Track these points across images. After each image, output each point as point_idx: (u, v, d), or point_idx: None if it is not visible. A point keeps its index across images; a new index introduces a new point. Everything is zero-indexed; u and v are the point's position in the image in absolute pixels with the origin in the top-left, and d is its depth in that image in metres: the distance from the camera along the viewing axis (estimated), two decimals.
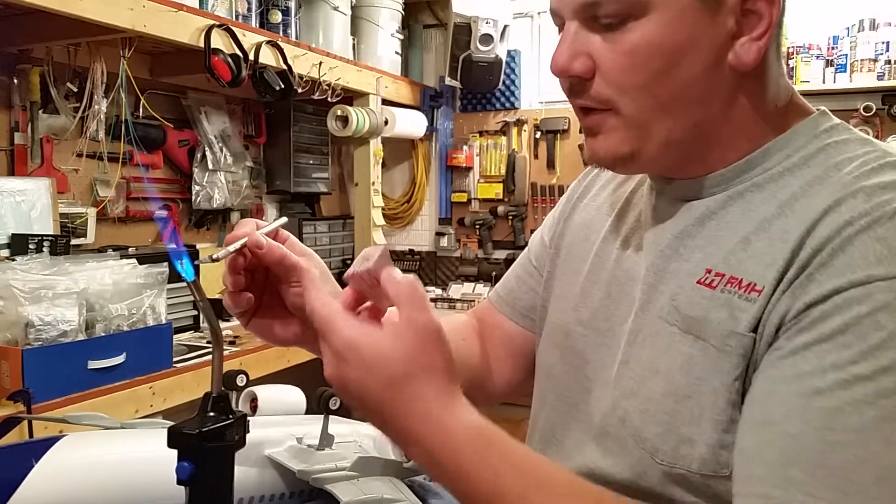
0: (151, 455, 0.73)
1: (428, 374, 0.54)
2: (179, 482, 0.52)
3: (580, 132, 0.62)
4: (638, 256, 0.68)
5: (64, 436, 0.74)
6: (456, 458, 0.53)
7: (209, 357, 1.99)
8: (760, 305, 0.57)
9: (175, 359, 1.86)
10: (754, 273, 0.58)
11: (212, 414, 0.55)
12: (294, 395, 1.05)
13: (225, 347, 2.11)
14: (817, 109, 0.65)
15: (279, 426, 0.91)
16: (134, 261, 1.92)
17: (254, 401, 1.03)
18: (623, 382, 0.65)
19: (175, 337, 1.94)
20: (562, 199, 0.86)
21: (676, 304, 0.61)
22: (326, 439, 0.87)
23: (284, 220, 0.66)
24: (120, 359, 1.68)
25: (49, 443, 0.71)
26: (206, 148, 2.57)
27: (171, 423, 0.56)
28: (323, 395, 0.87)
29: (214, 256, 0.57)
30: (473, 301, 2.97)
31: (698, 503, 0.59)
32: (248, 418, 0.99)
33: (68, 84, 2.08)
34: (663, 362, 0.61)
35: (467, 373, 0.82)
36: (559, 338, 0.75)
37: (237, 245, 0.59)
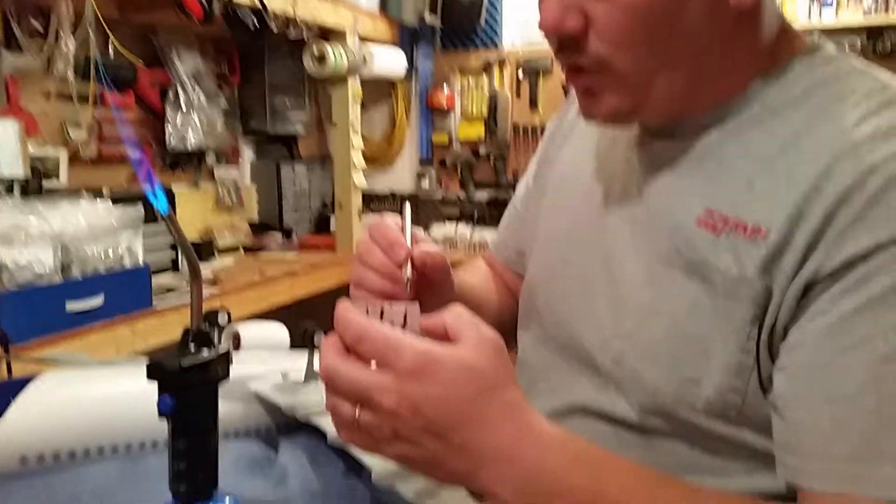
0: (132, 391, 0.72)
1: (511, 385, 0.50)
2: (162, 416, 0.52)
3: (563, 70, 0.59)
4: (631, 197, 0.66)
5: (40, 374, 0.72)
6: (556, 471, 0.50)
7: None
8: (769, 250, 0.55)
9: (155, 300, 1.85)
10: (760, 216, 0.56)
11: (192, 349, 0.54)
12: (277, 332, 1.04)
13: (205, 287, 2.10)
14: (811, 36, 0.63)
15: (263, 362, 0.90)
16: (108, 202, 1.89)
17: (236, 338, 1.02)
18: (617, 324, 0.63)
19: (154, 278, 1.91)
20: (544, 136, 0.84)
21: (678, 247, 0.59)
22: (312, 374, 0.87)
23: (408, 209, 0.68)
24: (98, 300, 1.66)
25: (25, 382, 0.70)
26: (179, 87, 2.50)
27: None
28: (307, 331, 0.86)
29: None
30: (456, 242, 2.97)
31: (693, 440, 0.59)
32: (232, 354, 0.99)
33: (32, 20, 1.99)
34: (665, 305, 0.59)
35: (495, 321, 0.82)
36: (545, 277, 0.74)
37: (408, 274, 0.63)
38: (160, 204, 0.53)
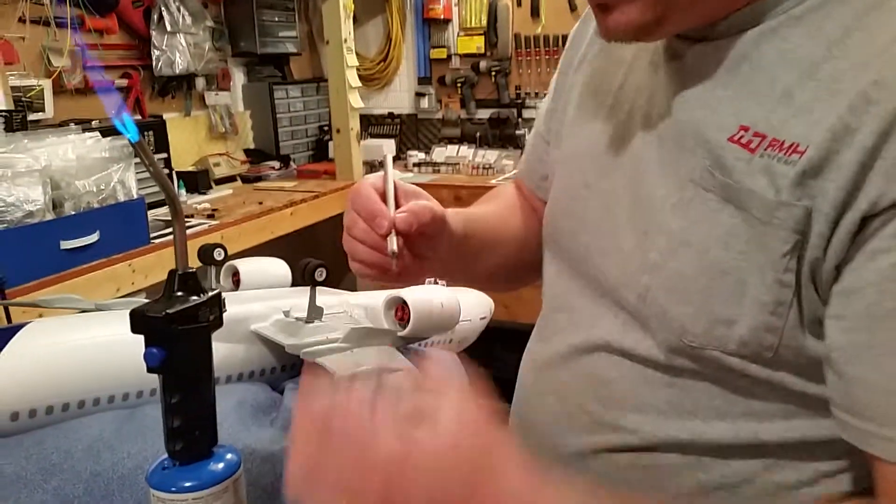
0: (128, 337, 0.67)
1: (508, 460, 0.43)
2: (150, 370, 0.47)
3: None
4: (659, 111, 0.58)
5: (27, 323, 0.67)
6: None
7: (188, 228, 1.94)
8: (805, 166, 0.48)
9: (152, 234, 1.80)
10: (798, 131, 0.48)
11: (180, 294, 0.48)
12: (278, 268, 0.99)
13: (203, 221, 2.04)
14: None
15: (264, 300, 0.86)
16: (97, 134, 1.81)
17: (235, 275, 0.98)
18: (643, 255, 0.56)
19: (151, 212, 1.86)
20: (566, 45, 0.75)
21: (709, 167, 0.52)
22: (315, 311, 0.82)
23: (389, 154, 0.64)
24: (93, 237, 1.61)
25: (10, 332, 0.65)
26: (163, 7, 2.37)
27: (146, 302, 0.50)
28: (307, 266, 0.81)
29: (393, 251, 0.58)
30: (457, 164, 2.88)
31: (724, 382, 0.55)
32: (232, 293, 0.94)
33: None
34: (697, 233, 0.53)
35: (515, 254, 0.75)
36: (566, 203, 0.67)
37: (393, 246, 0.58)
38: (129, 131, 0.47)
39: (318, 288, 0.82)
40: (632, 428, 0.58)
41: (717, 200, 0.52)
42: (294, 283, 0.97)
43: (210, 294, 0.49)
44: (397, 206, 0.60)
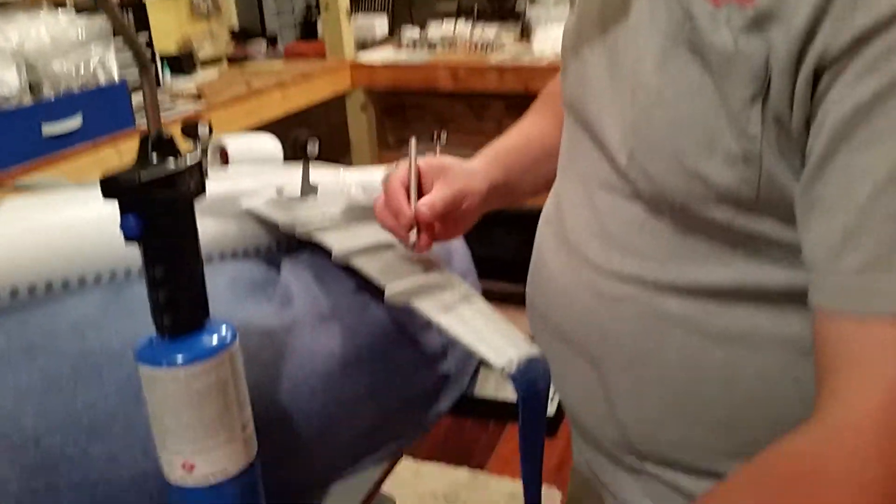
0: (108, 215, 0.64)
1: None
2: (128, 239, 0.43)
3: None
4: None
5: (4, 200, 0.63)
6: None
7: (173, 111, 1.86)
8: (756, 12, 0.46)
9: (138, 118, 1.72)
10: None
11: (154, 159, 0.44)
12: (268, 143, 0.94)
13: (189, 103, 1.96)
14: None
15: (255, 177, 0.81)
16: (72, 12, 1.70)
17: (223, 152, 0.93)
18: (631, 115, 0.56)
19: (135, 95, 1.77)
20: None
21: (682, 21, 0.51)
22: (309, 187, 0.78)
23: (413, 150, 0.66)
24: (76, 122, 1.54)
25: None
26: None
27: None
28: (297, 139, 0.76)
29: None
30: (454, 42, 2.75)
31: (716, 234, 0.53)
32: (221, 172, 0.90)
33: None
34: (670, 91, 0.52)
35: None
36: (575, 64, 0.65)
37: (413, 238, 0.63)
38: None
39: (313, 164, 0.78)
40: (631, 272, 0.57)
41: (687, 54, 0.51)
42: (286, 159, 0.93)
43: (190, 161, 0.45)
44: (422, 193, 0.65)
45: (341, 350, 0.61)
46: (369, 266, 0.64)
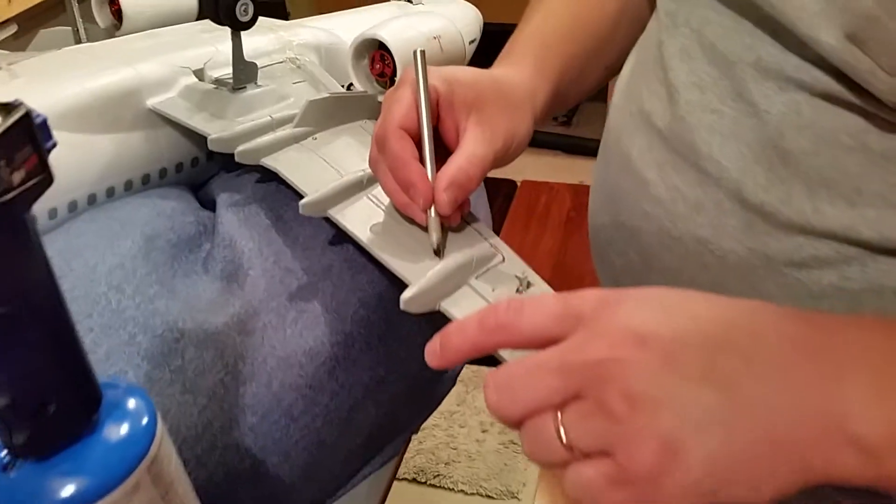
0: None
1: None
2: None
3: None
4: None
5: None
6: None
7: None
8: None
9: None
10: None
11: None
12: None
13: None
14: None
15: (163, 52, 0.55)
16: None
17: (115, 5, 0.65)
18: None
19: None
20: None
21: None
22: (244, 71, 0.53)
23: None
24: None
25: None
26: None
27: None
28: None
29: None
30: None
31: None
32: (110, 42, 0.63)
33: None
34: None
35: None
36: None
37: (435, 237, 0.38)
38: None
39: (243, 34, 0.52)
40: (834, 226, 0.35)
41: None
42: (202, 17, 0.66)
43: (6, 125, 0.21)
44: (440, 141, 0.40)
45: (326, 345, 0.41)
46: (361, 229, 0.41)
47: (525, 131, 0.41)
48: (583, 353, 0.25)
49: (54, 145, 0.23)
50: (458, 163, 0.37)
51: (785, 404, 0.24)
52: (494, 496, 1.35)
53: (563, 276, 1.58)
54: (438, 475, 1.38)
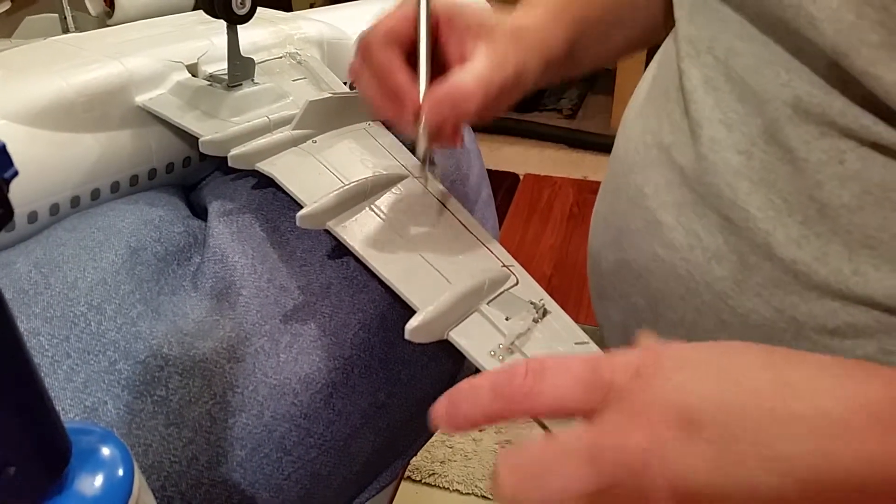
0: None
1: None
2: None
3: None
4: None
5: None
6: None
7: None
8: None
9: None
10: None
11: None
12: None
13: None
14: None
15: (154, 46, 0.52)
16: None
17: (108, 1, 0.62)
18: None
19: None
20: None
21: None
22: (241, 68, 0.50)
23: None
24: None
25: None
26: None
27: None
28: None
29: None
30: None
31: None
32: (97, 32, 0.59)
33: None
34: None
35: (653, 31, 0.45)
36: None
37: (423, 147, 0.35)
38: None
39: (241, 28, 0.49)
40: (878, 293, 0.31)
41: None
42: (197, 8, 0.62)
43: None
44: (437, 66, 0.36)
45: (323, 372, 0.38)
46: (363, 245, 0.38)
47: (534, 71, 0.38)
48: (618, 437, 0.22)
49: (14, 174, 0.20)
50: (460, 76, 0.34)
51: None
52: (490, 497, 1.33)
53: (565, 273, 1.55)
54: (434, 474, 1.36)
